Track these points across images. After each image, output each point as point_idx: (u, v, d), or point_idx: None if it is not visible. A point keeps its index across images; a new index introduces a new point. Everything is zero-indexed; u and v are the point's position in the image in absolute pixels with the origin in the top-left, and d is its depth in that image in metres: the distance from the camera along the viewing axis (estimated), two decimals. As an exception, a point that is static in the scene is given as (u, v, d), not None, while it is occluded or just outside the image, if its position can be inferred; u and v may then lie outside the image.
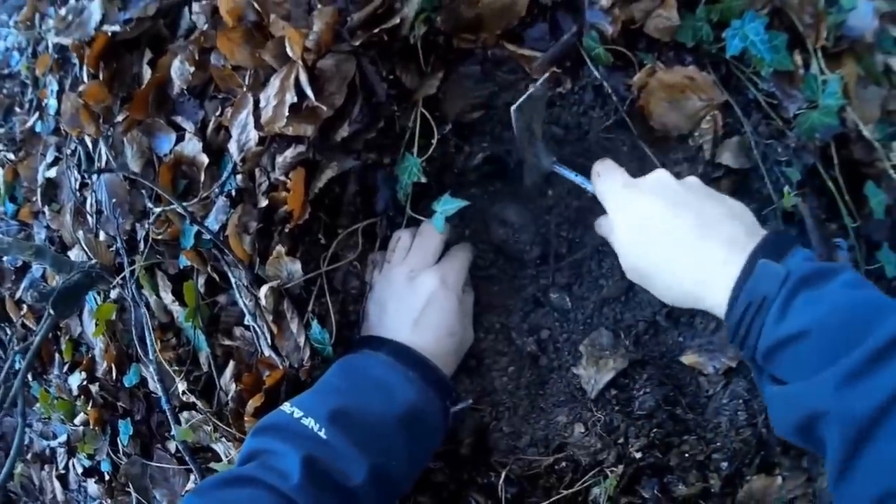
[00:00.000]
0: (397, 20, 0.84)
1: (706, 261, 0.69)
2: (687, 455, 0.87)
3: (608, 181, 0.80)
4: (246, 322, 0.93)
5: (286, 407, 0.74)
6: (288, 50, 0.82)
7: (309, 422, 0.71)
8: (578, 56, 0.89)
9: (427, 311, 0.85)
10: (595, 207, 0.91)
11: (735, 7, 0.85)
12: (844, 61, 0.89)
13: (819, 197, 0.90)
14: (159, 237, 1.00)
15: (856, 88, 0.88)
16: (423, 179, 0.87)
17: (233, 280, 0.93)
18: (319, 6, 0.85)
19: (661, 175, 0.77)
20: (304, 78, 0.82)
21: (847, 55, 0.89)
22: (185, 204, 0.93)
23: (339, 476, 0.69)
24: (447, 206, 0.85)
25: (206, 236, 0.92)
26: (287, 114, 0.83)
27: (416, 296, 0.85)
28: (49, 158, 1.18)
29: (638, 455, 0.85)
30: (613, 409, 0.89)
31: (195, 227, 0.94)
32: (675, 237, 0.71)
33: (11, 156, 1.28)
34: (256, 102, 0.87)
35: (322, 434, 0.70)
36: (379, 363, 0.80)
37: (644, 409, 0.88)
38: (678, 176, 0.90)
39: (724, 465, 0.86)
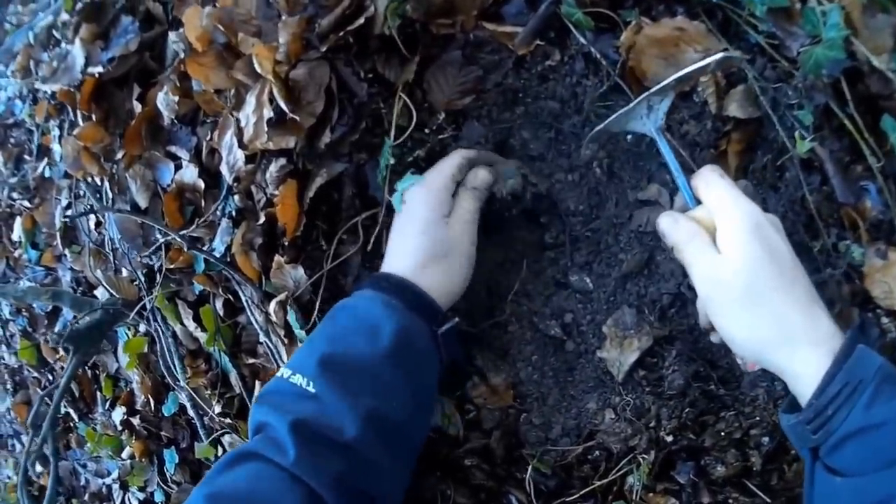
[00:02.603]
0: (362, 19, 0.84)
1: (815, 324, 0.68)
2: (723, 434, 0.85)
3: (730, 186, 0.74)
4: (261, 339, 0.96)
5: (282, 369, 0.74)
6: (256, 66, 0.84)
7: (297, 378, 0.71)
8: (563, 25, 0.88)
9: (411, 236, 0.82)
10: (610, 182, 0.91)
11: (716, -56, 0.82)
12: (844, -10, 0.85)
13: (839, 139, 0.86)
14: (173, 266, 1.04)
15: (862, 18, 0.83)
16: (392, 161, 0.87)
17: (244, 299, 0.97)
18: (284, 17, 0.86)
19: (777, 219, 0.76)
20: (277, 91, 0.84)
21: (846, -17, 0.85)
22: (190, 231, 0.97)
23: (331, 432, 0.68)
24: (405, 183, 0.85)
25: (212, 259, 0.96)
26: (267, 129, 0.85)
27: (404, 223, 0.84)
28: (63, 202, 1.24)
29: (669, 438, 0.84)
30: (644, 391, 0.88)
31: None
32: (793, 283, 0.70)
33: (27, 203, 1.35)
34: (239, 122, 0.89)
35: (311, 388, 0.70)
36: (362, 299, 0.79)
37: (675, 389, 0.87)
38: (685, 136, 0.89)
39: (765, 440, 0.84)
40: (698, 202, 0.76)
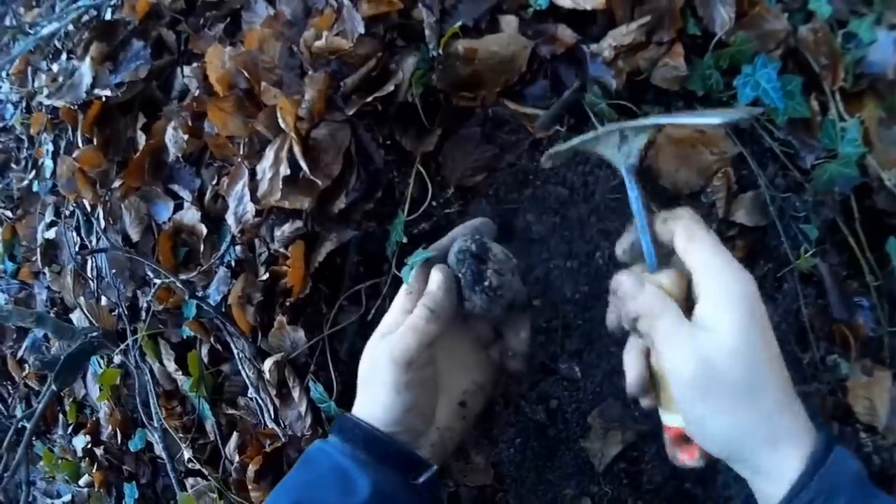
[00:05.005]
0: (391, 87, 0.87)
1: (797, 421, 0.60)
2: (696, 530, 0.89)
3: (718, 245, 0.62)
4: (249, 394, 0.97)
5: None
6: (280, 121, 0.85)
7: None
8: (583, 112, 0.91)
9: (366, 372, 0.74)
10: (609, 272, 0.92)
11: (745, 51, 0.86)
12: (865, 102, 0.89)
13: (839, 253, 0.91)
14: (161, 306, 1.05)
15: (878, 131, 0.87)
16: (405, 240, 0.89)
17: (235, 351, 0.98)
18: (311, 72, 0.88)
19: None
20: (297, 150, 0.85)
21: (868, 95, 0.89)
22: (186, 276, 0.98)
23: None
24: (416, 258, 0.81)
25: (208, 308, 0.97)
26: (282, 186, 0.87)
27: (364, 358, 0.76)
28: (48, 219, 1.24)
29: (643, 533, 0.88)
30: (622, 483, 0.91)
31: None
32: (785, 374, 0.61)
33: (9, 213, 1.33)
34: (252, 173, 0.91)
35: None
36: (332, 447, 0.72)
37: (653, 484, 0.90)
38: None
39: (735, 541, 0.88)
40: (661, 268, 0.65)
